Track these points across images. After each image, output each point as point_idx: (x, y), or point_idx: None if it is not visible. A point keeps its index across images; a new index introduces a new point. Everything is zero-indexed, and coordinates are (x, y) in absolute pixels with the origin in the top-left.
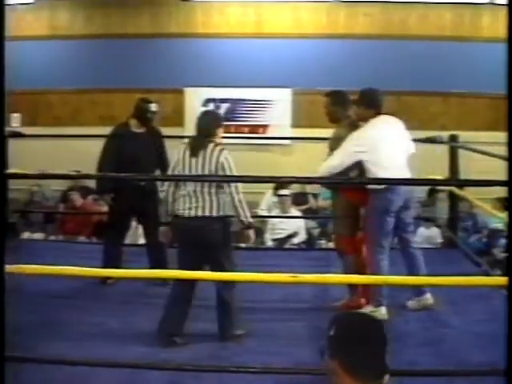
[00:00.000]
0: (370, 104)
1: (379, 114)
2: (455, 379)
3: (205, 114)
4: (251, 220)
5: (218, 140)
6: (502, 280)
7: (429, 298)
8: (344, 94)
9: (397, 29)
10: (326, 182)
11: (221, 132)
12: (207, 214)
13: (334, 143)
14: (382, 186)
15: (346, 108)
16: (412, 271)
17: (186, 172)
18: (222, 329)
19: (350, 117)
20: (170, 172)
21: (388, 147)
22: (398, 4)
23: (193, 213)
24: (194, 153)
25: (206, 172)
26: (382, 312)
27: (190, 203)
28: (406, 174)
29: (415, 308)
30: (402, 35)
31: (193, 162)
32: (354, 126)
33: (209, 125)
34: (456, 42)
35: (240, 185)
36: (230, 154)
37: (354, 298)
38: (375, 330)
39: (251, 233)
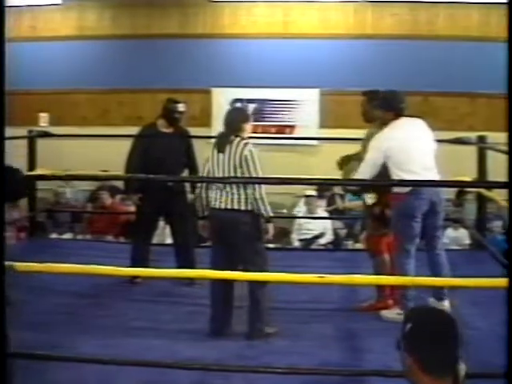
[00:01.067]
0: (389, 106)
1: (399, 116)
2: (479, 381)
3: (232, 109)
4: (271, 214)
5: (246, 135)
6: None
7: (446, 305)
8: (380, 93)
9: (424, 29)
10: (351, 184)
11: (248, 128)
12: (236, 207)
13: (368, 143)
14: (405, 190)
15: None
16: (435, 271)
17: (215, 168)
18: (253, 327)
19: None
20: (201, 168)
21: (409, 149)
22: (425, 4)
23: (223, 205)
24: (220, 149)
25: (231, 167)
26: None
27: (220, 195)
28: (432, 176)
29: None
30: (429, 35)
31: (220, 158)
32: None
33: (236, 120)
34: (483, 42)
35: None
36: (254, 148)
37: (382, 299)
38: (450, 326)
39: (270, 227)
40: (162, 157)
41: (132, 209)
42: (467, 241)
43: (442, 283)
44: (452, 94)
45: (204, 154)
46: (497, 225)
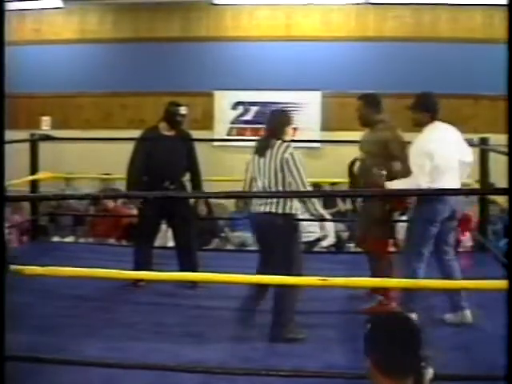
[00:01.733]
0: (426, 108)
1: (435, 119)
2: (480, 383)
3: (273, 113)
4: (322, 211)
5: (288, 139)
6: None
7: (468, 315)
8: (377, 97)
9: (427, 31)
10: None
11: (290, 131)
12: (273, 210)
13: (369, 146)
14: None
15: (379, 111)
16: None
17: (256, 172)
18: (272, 331)
19: (383, 121)
20: (244, 172)
21: (445, 155)
22: (428, 6)
23: (261, 209)
24: (261, 153)
25: (272, 170)
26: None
27: (260, 199)
28: (457, 184)
29: (453, 322)
30: (432, 37)
31: (261, 162)
32: (390, 130)
33: (277, 124)
34: (486, 44)
35: (306, 179)
36: (295, 151)
37: (385, 301)
38: (409, 330)
39: (326, 224)
40: (164, 160)
41: (134, 212)
42: (470, 243)
43: (445, 285)
44: (455, 95)
45: (206, 156)
46: (499, 227)
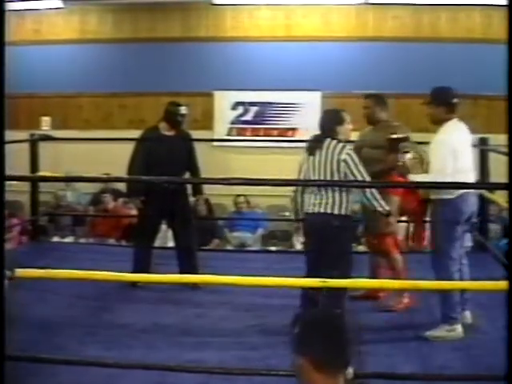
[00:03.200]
0: (444, 103)
1: (452, 112)
2: (480, 383)
3: (325, 112)
4: (387, 208)
5: (342, 138)
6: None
7: (467, 316)
8: (384, 98)
9: (426, 31)
10: (357, 185)
11: (344, 130)
12: (329, 211)
13: (378, 140)
14: (454, 196)
15: (386, 111)
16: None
17: (310, 172)
18: None
19: (387, 121)
20: (298, 171)
21: (465, 153)
22: (427, 6)
23: (316, 209)
24: (311, 151)
25: (328, 171)
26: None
27: (314, 199)
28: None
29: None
30: (432, 38)
31: (315, 161)
32: (390, 129)
33: (328, 123)
34: (486, 44)
35: (367, 177)
36: (352, 151)
37: (399, 299)
38: (337, 325)
39: (391, 219)
40: (164, 159)
41: (134, 212)
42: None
43: (443, 286)
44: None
45: (206, 156)
46: (497, 227)
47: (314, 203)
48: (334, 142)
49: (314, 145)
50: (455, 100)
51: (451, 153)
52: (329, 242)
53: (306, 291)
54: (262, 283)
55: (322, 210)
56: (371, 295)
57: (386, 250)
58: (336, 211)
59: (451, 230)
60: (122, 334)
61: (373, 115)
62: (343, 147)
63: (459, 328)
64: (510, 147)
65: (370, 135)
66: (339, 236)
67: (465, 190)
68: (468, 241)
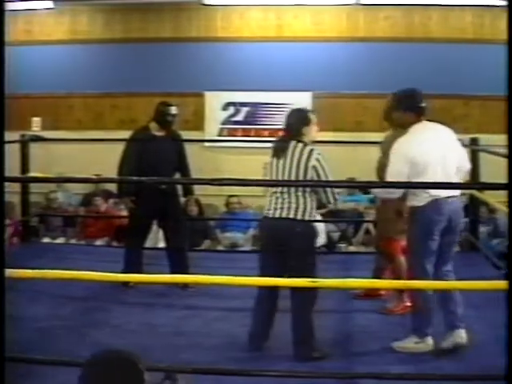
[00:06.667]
0: (409, 107)
1: (420, 117)
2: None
3: (292, 112)
4: (337, 198)
5: (308, 140)
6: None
7: (462, 335)
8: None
9: (418, 32)
10: (346, 185)
11: (310, 131)
12: (291, 216)
13: (386, 146)
14: (422, 203)
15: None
16: (445, 307)
17: (273, 175)
18: (297, 349)
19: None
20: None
21: (431, 160)
22: (419, 7)
23: (277, 213)
24: (277, 154)
25: (293, 174)
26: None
27: (275, 204)
28: (453, 191)
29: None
30: (423, 38)
31: (280, 164)
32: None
33: (295, 123)
34: (477, 44)
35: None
36: (320, 155)
37: (400, 302)
38: (126, 368)
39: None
40: (155, 160)
41: (125, 213)
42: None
43: (437, 286)
44: (446, 96)
45: (197, 157)
46: (488, 227)
47: (276, 207)
48: (301, 144)
49: (280, 147)
50: (423, 104)
51: (407, 161)
52: (295, 249)
53: (263, 292)
54: (253, 283)
55: (283, 215)
56: (372, 294)
57: (392, 254)
58: (299, 216)
59: (422, 240)
60: (114, 335)
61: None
62: (311, 152)
63: (429, 340)
64: (509, 147)
65: (387, 140)
66: (305, 242)
67: (436, 197)
68: (452, 255)
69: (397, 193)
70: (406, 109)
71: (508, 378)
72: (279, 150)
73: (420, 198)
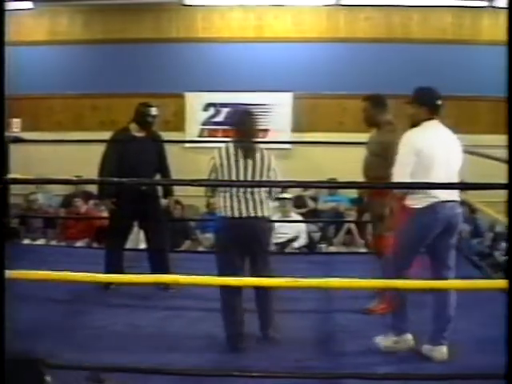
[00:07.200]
0: (423, 102)
1: (434, 113)
2: (446, 383)
3: (246, 114)
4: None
5: (257, 141)
6: (491, 283)
7: (443, 351)
8: (383, 98)
9: (398, 32)
10: (327, 186)
11: (258, 132)
12: (259, 214)
13: (377, 148)
14: (420, 205)
15: (385, 112)
16: (439, 312)
17: (233, 176)
18: (265, 332)
19: (390, 122)
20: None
21: (436, 158)
22: (399, 7)
23: (245, 212)
24: (246, 155)
25: (257, 175)
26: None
27: (238, 203)
28: (453, 195)
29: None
30: (403, 39)
31: (248, 164)
32: (395, 132)
33: (253, 126)
34: (456, 45)
35: None
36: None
37: (381, 301)
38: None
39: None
40: (135, 161)
41: (105, 214)
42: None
43: (420, 286)
44: None
45: (177, 158)
46: (469, 227)
47: (243, 206)
48: (261, 146)
49: (247, 148)
50: (439, 101)
51: (415, 153)
52: (261, 245)
53: (225, 293)
54: (234, 284)
55: (252, 214)
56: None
57: (381, 251)
58: (260, 214)
59: (413, 242)
60: (95, 337)
61: (372, 118)
62: (270, 154)
63: (407, 336)
64: (509, 147)
65: (372, 139)
66: (268, 238)
67: (436, 200)
68: (452, 259)
69: (422, 202)
70: (421, 104)
71: (508, 377)
72: (247, 151)
73: (419, 199)
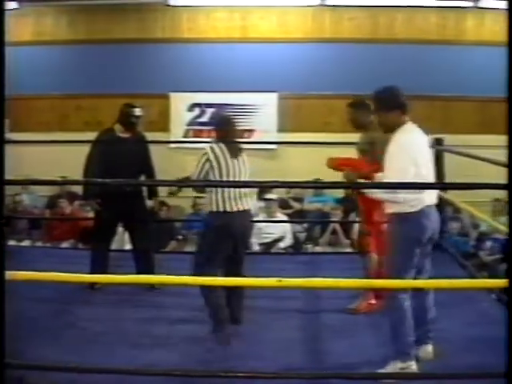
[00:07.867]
0: (399, 106)
1: (404, 114)
2: (445, 382)
3: (229, 117)
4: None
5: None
6: (491, 282)
7: (429, 351)
8: (364, 100)
9: (382, 33)
10: (312, 186)
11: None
12: (247, 207)
13: (361, 147)
14: (413, 210)
15: (369, 114)
16: (421, 314)
17: (231, 175)
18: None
19: (373, 123)
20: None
21: (425, 164)
22: (384, 8)
23: (240, 206)
24: (234, 155)
25: (243, 175)
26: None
27: (229, 198)
28: (434, 197)
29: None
30: (388, 39)
31: (236, 163)
32: (378, 132)
33: (236, 128)
34: (441, 45)
35: None
36: None
37: (365, 299)
38: None
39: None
40: (120, 162)
41: (91, 215)
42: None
43: (408, 285)
44: (410, 96)
45: (162, 158)
46: (454, 226)
47: (237, 199)
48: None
49: (236, 148)
50: (406, 100)
51: (412, 161)
52: (249, 238)
53: (207, 292)
54: (220, 283)
55: (247, 207)
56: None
57: (365, 250)
58: (247, 207)
59: (410, 250)
60: (81, 337)
61: (358, 121)
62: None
63: (413, 365)
64: (509, 147)
65: (363, 140)
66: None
67: (427, 204)
68: (428, 265)
69: (416, 206)
70: (390, 109)
71: (508, 376)
72: (237, 150)
73: (411, 205)
